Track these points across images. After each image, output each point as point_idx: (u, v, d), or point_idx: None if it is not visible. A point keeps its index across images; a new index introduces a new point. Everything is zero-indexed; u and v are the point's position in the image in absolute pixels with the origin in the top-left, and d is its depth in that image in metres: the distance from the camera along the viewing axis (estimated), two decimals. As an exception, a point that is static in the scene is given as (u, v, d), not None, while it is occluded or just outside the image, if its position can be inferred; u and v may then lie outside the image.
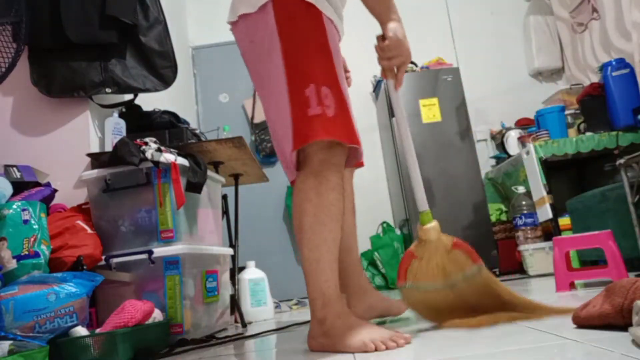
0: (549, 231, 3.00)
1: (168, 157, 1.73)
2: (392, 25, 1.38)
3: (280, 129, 1.25)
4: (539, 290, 2.06)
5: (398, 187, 3.59)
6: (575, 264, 2.81)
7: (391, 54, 1.36)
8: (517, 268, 3.27)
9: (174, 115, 2.21)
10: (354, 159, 1.38)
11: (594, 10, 3.59)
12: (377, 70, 4.20)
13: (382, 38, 1.37)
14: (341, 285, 1.30)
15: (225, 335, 1.82)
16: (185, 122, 2.26)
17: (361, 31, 4.47)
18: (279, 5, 1.23)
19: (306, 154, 1.22)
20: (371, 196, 4.05)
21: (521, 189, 3.21)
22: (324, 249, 1.20)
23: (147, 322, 1.50)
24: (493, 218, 3.50)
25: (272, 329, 1.81)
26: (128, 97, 2.23)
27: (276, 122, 1.27)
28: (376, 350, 1.09)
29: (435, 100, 3.57)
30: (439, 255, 1.31)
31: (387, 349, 1.09)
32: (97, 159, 1.95)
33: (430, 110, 3.54)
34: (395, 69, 1.39)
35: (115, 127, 2.06)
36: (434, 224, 1.32)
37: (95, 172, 1.81)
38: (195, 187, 1.83)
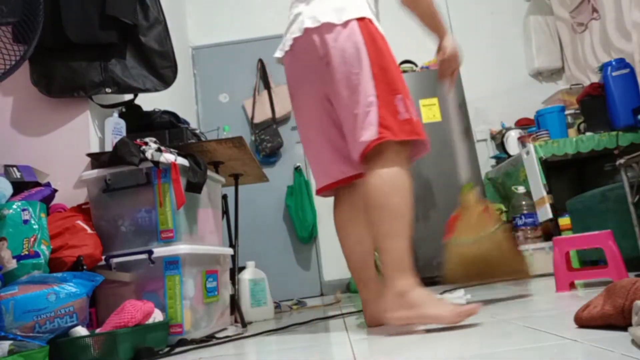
0: (549, 231, 3.00)
1: (168, 157, 1.73)
2: (448, 39, 1.77)
3: (352, 128, 1.45)
4: (539, 290, 2.06)
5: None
6: (575, 264, 2.82)
7: (451, 64, 1.76)
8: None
9: (174, 115, 2.21)
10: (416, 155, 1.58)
11: (594, 10, 3.59)
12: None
13: (440, 50, 1.75)
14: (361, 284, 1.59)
15: (225, 335, 1.82)
16: (185, 122, 2.27)
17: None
18: (363, 25, 1.46)
19: (389, 150, 1.41)
20: (371, 196, 4.05)
21: (521, 189, 3.21)
22: (405, 229, 1.36)
23: (147, 322, 1.50)
24: (493, 218, 3.50)
25: (272, 328, 1.81)
26: (128, 97, 2.23)
27: (348, 119, 1.46)
28: (468, 315, 1.23)
29: (435, 100, 3.57)
30: (473, 217, 1.78)
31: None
32: (97, 159, 1.95)
33: (430, 110, 3.54)
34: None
35: (115, 127, 2.06)
36: (473, 193, 1.83)
37: (95, 172, 1.81)
38: (195, 187, 1.83)
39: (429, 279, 3.31)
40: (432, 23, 1.72)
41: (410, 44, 4.29)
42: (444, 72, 1.78)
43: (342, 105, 1.48)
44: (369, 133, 1.41)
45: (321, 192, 1.67)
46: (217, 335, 1.79)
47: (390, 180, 1.38)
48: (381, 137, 1.39)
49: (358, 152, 1.44)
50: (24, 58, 1.61)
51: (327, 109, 1.55)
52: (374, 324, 1.54)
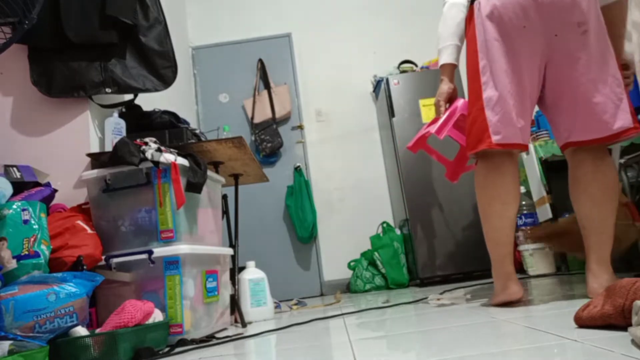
0: (549, 231, 3.00)
1: (168, 157, 1.73)
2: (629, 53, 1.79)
3: (603, 101, 1.50)
4: (539, 290, 2.06)
5: (398, 187, 3.59)
6: (574, 265, 2.82)
7: (633, 76, 1.72)
8: (517, 268, 3.26)
9: (174, 115, 2.21)
10: None
11: (594, 10, 3.59)
12: (377, 71, 4.23)
13: (625, 66, 1.68)
14: None
15: (225, 335, 1.82)
16: (185, 122, 2.27)
17: (362, 33, 4.48)
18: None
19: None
20: (371, 196, 4.05)
21: (521, 189, 3.21)
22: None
23: (147, 322, 1.50)
24: (493, 218, 3.50)
25: (272, 328, 1.81)
26: (128, 97, 2.23)
27: (592, 94, 1.51)
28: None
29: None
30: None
31: None
32: (97, 159, 1.95)
33: (431, 110, 3.54)
34: None
35: (115, 127, 2.06)
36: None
37: (95, 172, 1.81)
38: (195, 187, 1.83)
39: (428, 279, 3.31)
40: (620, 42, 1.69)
41: (410, 44, 4.30)
42: (628, 83, 1.67)
43: (588, 78, 1.50)
44: (625, 119, 1.48)
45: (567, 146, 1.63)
46: (217, 335, 1.79)
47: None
48: (637, 127, 1.49)
49: (602, 133, 1.50)
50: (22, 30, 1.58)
51: (541, 67, 1.57)
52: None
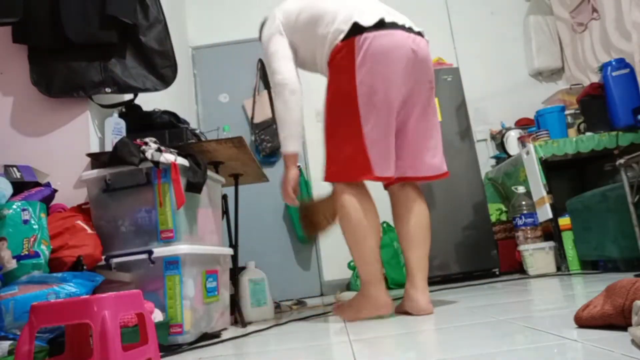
0: (549, 231, 3.00)
1: (168, 157, 1.73)
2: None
3: (434, 148, 1.84)
4: (539, 290, 2.06)
5: (398, 187, 3.59)
6: (574, 265, 2.82)
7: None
8: (517, 268, 3.27)
9: (174, 115, 2.21)
10: None
11: (594, 10, 3.59)
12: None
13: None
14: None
15: (218, 331, 1.82)
16: (185, 122, 2.26)
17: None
18: None
19: None
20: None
21: (521, 189, 3.21)
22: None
23: (147, 322, 1.50)
24: (493, 218, 3.50)
25: (269, 325, 1.81)
26: (128, 97, 2.23)
27: (429, 139, 1.83)
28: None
29: (435, 101, 3.56)
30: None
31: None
32: (97, 159, 1.95)
33: (430, 110, 3.54)
34: None
35: (115, 127, 2.06)
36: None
37: (95, 172, 1.81)
38: (195, 187, 1.83)
39: (428, 279, 3.31)
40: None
41: (410, 44, 4.29)
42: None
43: (430, 125, 1.81)
44: (444, 164, 1.86)
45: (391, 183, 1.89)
46: (217, 335, 1.79)
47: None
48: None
49: (431, 172, 1.82)
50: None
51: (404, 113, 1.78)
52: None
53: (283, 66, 1.84)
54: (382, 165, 1.70)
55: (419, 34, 1.79)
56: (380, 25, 1.67)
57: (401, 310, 1.81)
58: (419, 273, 1.82)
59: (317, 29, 1.79)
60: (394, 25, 1.70)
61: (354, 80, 1.67)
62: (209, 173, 2.00)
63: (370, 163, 1.66)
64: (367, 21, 1.68)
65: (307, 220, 2.22)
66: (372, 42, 1.65)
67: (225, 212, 2.34)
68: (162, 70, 2.14)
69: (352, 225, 1.72)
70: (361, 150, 1.66)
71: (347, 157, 1.70)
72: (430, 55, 1.82)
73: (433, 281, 3.32)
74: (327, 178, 1.77)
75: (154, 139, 1.83)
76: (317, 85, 4.29)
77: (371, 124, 1.67)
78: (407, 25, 1.74)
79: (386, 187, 1.93)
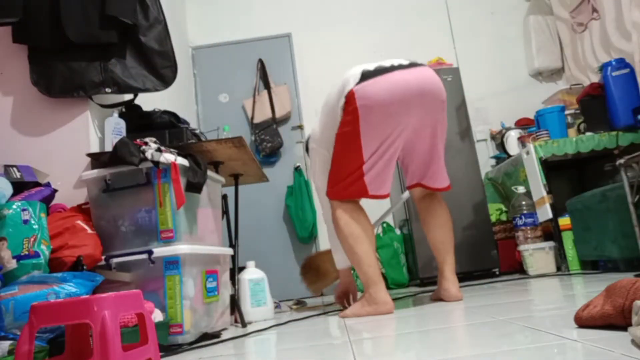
0: (549, 231, 3.00)
1: (168, 157, 1.73)
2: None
3: (441, 166, 2.12)
4: (539, 290, 2.06)
5: (398, 187, 3.59)
6: (574, 265, 2.82)
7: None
8: (517, 268, 3.27)
9: (174, 115, 2.21)
10: None
11: (594, 10, 3.59)
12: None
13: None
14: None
15: (217, 332, 1.82)
16: (185, 122, 2.26)
17: (362, 33, 4.48)
18: None
19: None
20: (371, 196, 4.05)
21: (521, 189, 3.21)
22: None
23: (147, 322, 1.49)
24: (493, 218, 3.50)
25: (272, 324, 1.81)
26: (128, 97, 2.23)
27: (439, 157, 2.10)
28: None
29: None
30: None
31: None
32: (97, 159, 1.95)
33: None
34: None
35: (115, 127, 2.06)
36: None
37: (95, 172, 1.81)
38: (195, 187, 1.83)
39: (428, 279, 3.32)
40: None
41: (410, 44, 4.30)
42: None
43: (439, 144, 2.06)
44: (447, 179, 2.16)
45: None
46: (217, 335, 1.79)
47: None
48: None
49: (440, 185, 2.12)
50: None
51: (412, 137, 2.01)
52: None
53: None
54: (377, 186, 1.95)
55: (421, 65, 2.00)
56: (379, 71, 1.90)
57: (436, 297, 2.13)
58: (448, 267, 2.09)
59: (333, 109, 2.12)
60: (391, 69, 1.92)
61: (357, 123, 1.89)
62: (209, 173, 2.00)
63: (367, 187, 1.92)
64: (369, 67, 1.95)
65: (313, 272, 2.60)
66: (371, 88, 1.88)
67: (225, 212, 2.34)
68: (162, 70, 2.14)
69: (346, 234, 1.94)
70: (359, 177, 1.92)
71: (348, 184, 1.94)
72: (437, 78, 1.97)
73: (433, 281, 3.32)
74: (329, 194, 2.02)
75: (154, 139, 1.83)
76: (317, 85, 4.30)
77: (371, 155, 1.92)
78: (404, 64, 1.95)
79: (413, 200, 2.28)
